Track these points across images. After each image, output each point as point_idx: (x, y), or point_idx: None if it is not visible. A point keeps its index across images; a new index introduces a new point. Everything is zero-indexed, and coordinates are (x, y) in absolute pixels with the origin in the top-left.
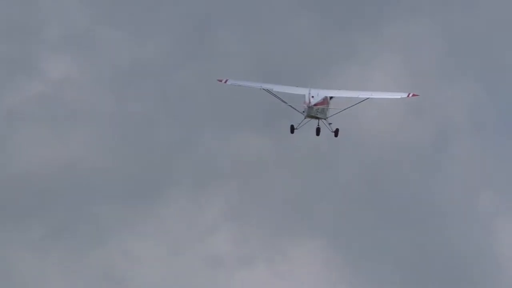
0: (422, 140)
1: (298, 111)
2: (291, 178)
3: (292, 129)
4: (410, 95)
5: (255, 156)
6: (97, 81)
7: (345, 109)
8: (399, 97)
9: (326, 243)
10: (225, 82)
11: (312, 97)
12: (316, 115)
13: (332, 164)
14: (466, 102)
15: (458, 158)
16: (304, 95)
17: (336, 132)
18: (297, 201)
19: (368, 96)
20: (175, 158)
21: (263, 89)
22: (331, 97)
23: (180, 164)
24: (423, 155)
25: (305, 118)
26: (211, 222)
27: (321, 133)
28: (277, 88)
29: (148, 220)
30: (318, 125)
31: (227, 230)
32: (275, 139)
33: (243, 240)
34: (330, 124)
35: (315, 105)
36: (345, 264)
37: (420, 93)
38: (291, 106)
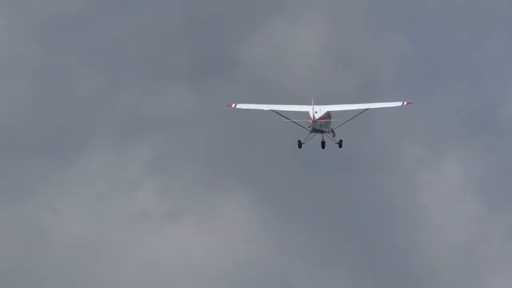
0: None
1: (304, 127)
2: (217, 132)
3: (300, 144)
4: (405, 103)
5: (180, 109)
6: (20, 32)
7: (347, 121)
8: (395, 105)
9: (252, 198)
10: (235, 106)
11: (316, 112)
12: (321, 129)
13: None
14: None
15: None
16: (308, 112)
17: (340, 143)
18: (223, 155)
19: (367, 107)
20: (99, 111)
21: (271, 110)
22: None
23: (104, 118)
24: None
25: (310, 133)
26: (135, 176)
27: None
28: (282, 108)
29: (72, 173)
30: (323, 139)
31: (152, 184)
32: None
33: (167, 194)
34: (334, 136)
35: (319, 119)
36: (270, 219)
37: None
38: (297, 123)
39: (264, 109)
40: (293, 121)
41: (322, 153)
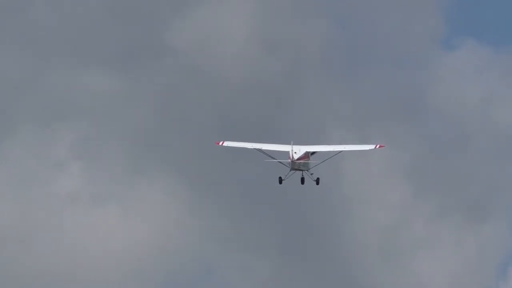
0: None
1: (285, 165)
2: (144, 115)
3: (280, 180)
4: (377, 147)
5: (107, 92)
6: None
7: (323, 161)
8: (368, 148)
9: (179, 180)
10: (222, 144)
11: (295, 152)
12: (299, 168)
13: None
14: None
15: None
16: (288, 151)
17: (317, 181)
18: (150, 138)
19: (341, 149)
20: (24, 94)
21: (255, 148)
22: (312, 152)
23: (31, 102)
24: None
25: (290, 170)
26: (61, 158)
27: (305, 181)
28: (265, 147)
29: None
30: (302, 175)
31: (76, 168)
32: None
33: (94, 177)
34: (311, 174)
35: (298, 159)
36: (197, 201)
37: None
38: (280, 162)
39: (249, 147)
40: (279, 161)
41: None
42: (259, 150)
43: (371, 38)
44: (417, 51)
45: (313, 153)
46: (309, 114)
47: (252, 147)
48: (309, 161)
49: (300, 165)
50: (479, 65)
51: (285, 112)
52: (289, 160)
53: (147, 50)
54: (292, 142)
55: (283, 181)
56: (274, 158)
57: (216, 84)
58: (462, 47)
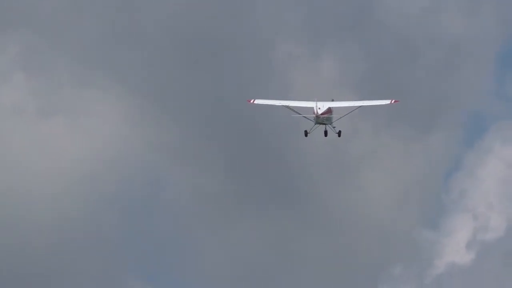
0: None
1: (310, 119)
2: (90, 27)
3: (306, 134)
4: (393, 101)
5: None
6: None
7: (344, 115)
8: (384, 103)
9: (128, 93)
10: (253, 101)
11: (319, 108)
12: (323, 122)
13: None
14: None
15: None
16: (312, 107)
17: (339, 133)
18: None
19: (360, 105)
20: None
21: (283, 105)
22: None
23: None
24: None
25: (315, 124)
26: (3, 71)
27: (328, 134)
28: (292, 104)
29: None
30: (326, 129)
31: (21, 80)
32: None
33: (41, 90)
34: (334, 127)
35: (321, 114)
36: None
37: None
38: (305, 117)
39: (277, 104)
40: (303, 116)
41: None
42: (287, 106)
43: None
44: None
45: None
46: None
47: (280, 104)
48: (332, 115)
49: (323, 119)
50: None
51: None
52: (314, 115)
53: None
54: (316, 99)
55: (308, 134)
56: (300, 114)
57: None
58: None
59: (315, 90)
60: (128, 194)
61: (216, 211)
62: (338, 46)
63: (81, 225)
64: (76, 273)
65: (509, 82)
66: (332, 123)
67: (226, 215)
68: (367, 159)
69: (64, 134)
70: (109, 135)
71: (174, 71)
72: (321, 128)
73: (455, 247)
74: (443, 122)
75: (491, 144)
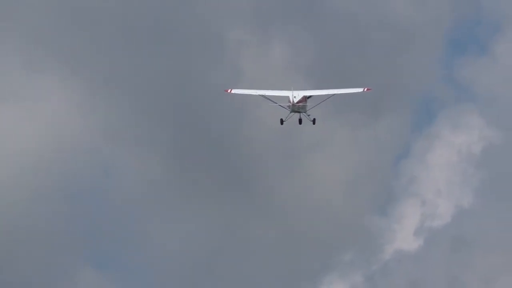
0: None
1: (285, 108)
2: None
3: (282, 122)
4: (365, 89)
5: None
6: None
7: (318, 103)
8: (357, 91)
9: (76, 80)
10: (230, 91)
11: (295, 97)
12: (298, 110)
13: None
14: None
15: None
16: (288, 96)
17: (313, 121)
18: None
19: (334, 93)
20: None
21: (260, 95)
22: (308, 96)
23: None
24: None
25: (290, 112)
26: None
27: (302, 122)
28: (269, 93)
29: None
30: (300, 117)
31: None
32: None
33: None
34: (309, 115)
35: (297, 102)
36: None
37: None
38: (281, 105)
39: (254, 94)
40: (279, 105)
41: None
42: (263, 96)
43: None
44: None
45: (309, 97)
46: None
47: (257, 93)
48: (307, 104)
49: (299, 108)
50: None
51: None
52: (290, 104)
53: None
54: (292, 88)
55: (284, 122)
56: (276, 103)
57: None
58: None
59: (262, 77)
60: (77, 182)
61: (172, 198)
62: (282, 31)
63: (27, 213)
64: (23, 262)
65: (459, 68)
66: (306, 111)
67: (179, 203)
68: (316, 146)
69: (10, 121)
70: (57, 122)
71: (124, 58)
72: (296, 116)
73: (404, 234)
74: (392, 108)
75: (440, 130)
